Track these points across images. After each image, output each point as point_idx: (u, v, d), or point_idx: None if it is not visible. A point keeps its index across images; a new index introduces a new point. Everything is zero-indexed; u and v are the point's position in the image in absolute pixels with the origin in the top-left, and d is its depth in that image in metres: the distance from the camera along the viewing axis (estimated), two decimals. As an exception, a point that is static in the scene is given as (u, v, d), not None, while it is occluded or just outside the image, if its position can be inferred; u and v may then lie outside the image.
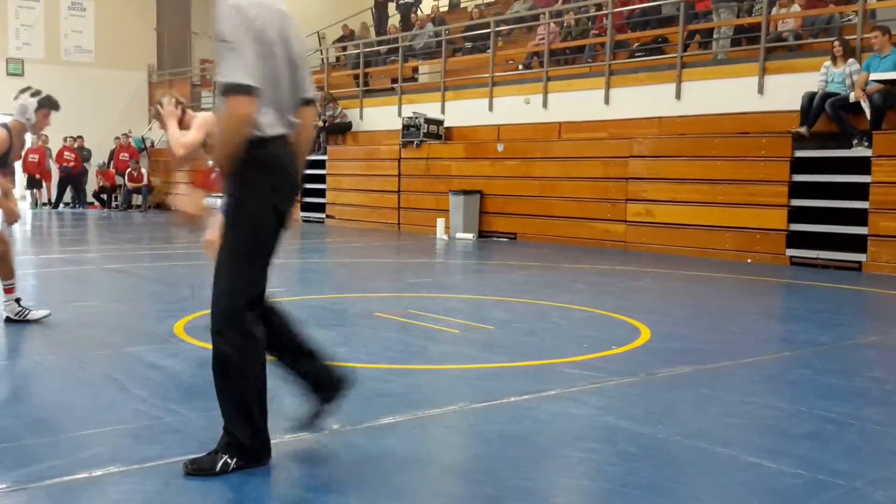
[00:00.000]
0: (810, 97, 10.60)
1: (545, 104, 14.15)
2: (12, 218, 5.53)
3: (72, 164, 21.15)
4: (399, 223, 15.82)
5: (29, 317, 5.67)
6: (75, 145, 21.58)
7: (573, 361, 4.84)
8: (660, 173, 11.97)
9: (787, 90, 11.11)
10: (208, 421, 3.55)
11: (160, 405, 3.82)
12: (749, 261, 10.85)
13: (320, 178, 17.78)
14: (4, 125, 5.52)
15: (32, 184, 21.27)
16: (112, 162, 22.16)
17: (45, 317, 5.72)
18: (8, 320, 5.68)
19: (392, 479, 2.96)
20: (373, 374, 4.45)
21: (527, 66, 15.16)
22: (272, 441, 3.09)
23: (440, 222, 14.26)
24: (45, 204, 21.58)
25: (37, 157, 20.75)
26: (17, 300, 5.70)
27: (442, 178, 14.89)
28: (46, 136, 21.44)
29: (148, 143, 23.40)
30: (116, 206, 21.70)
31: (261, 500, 2.74)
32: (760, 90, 11.47)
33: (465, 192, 14.08)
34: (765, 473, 3.09)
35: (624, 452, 3.29)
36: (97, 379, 4.36)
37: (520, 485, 2.90)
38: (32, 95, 5.52)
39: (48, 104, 5.54)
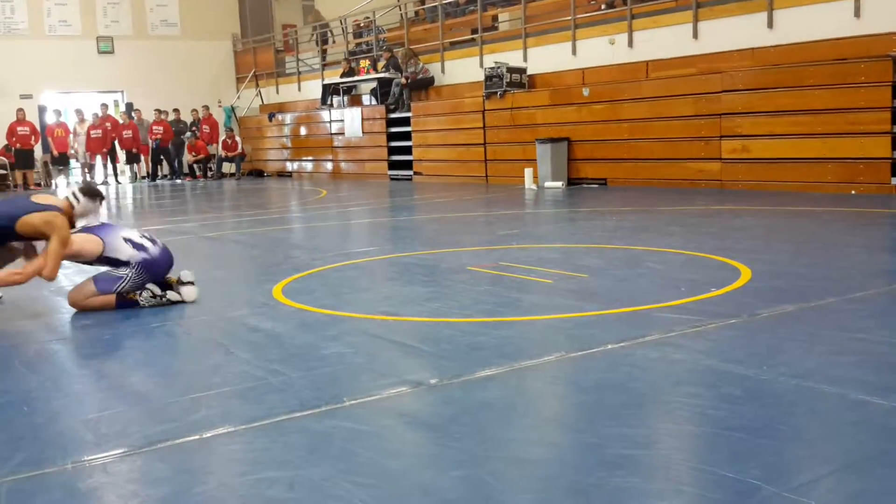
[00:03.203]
0: (911, 16, 10.04)
1: (630, 43, 13.79)
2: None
3: (160, 136, 21.72)
4: (487, 175, 15.77)
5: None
6: (170, 118, 22.13)
7: (671, 306, 4.76)
8: (755, 107, 11.56)
9: (884, 10, 10.54)
10: (310, 380, 3.63)
11: (264, 366, 3.92)
12: (853, 192, 10.43)
13: (406, 136, 17.83)
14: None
15: (131, 158, 21.97)
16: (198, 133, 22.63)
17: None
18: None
19: (491, 432, 2.98)
20: (467, 328, 4.47)
21: (610, 5, 14.76)
22: (371, 398, 3.13)
23: (528, 172, 14.14)
24: (143, 177, 22.29)
25: (130, 132, 21.40)
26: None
27: (527, 128, 14.74)
28: (139, 110, 22.09)
29: (238, 113, 23.84)
30: (211, 176, 22.24)
31: (366, 455, 2.79)
32: (856, 13, 10.90)
33: (552, 140, 13.91)
34: (876, 411, 2.98)
35: (727, 395, 3.22)
36: (203, 344, 4.51)
37: (621, 432, 2.88)
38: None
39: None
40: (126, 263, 5.32)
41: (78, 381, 4.00)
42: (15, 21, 22.12)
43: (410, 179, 17.60)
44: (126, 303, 5.36)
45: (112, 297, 5.33)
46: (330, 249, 7.95)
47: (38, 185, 20.66)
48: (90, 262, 5.41)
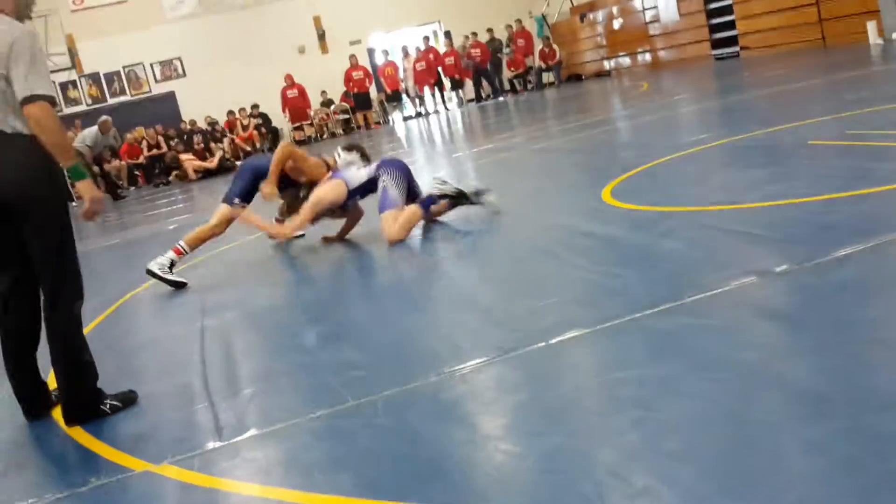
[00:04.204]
0: None
1: None
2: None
3: (478, 58, 22.26)
4: (823, 37, 14.32)
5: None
6: (486, 39, 22.62)
7: None
8: None
9: None
10: (648, 280, 3.59)
11: (600, 270, 3.94)
12: None
13: (727, 10, 16.70)
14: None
15: (455, 85, 22.86)
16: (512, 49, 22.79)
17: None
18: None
19: (849, 315, 2.75)
20: (814, 208, 4.14)
21: None
22: (713, 291, 3.02)
23: (871, 25, 12.61)
24: (470, 101, 23.13)
25: (452, 59, 22.18)
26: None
27: (866, -25, 13.09)
28: (450, 31, 22.75)
29: (549, 20, 23.77)
30: (531, 88, 22.52)
31: (714, 350, 2.72)
32: None
33: (898, -17, 12.25)
34: None
35: None
36: (539, 253, 4.63)
37: None
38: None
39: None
40: (372, 181, 5.78)
41: (428, 300, 4.29)
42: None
43: (737, 56, 16.50)
44: (430, 202, 5.77)
45: (414, 209, 5.65)
46: (657, 144, 7.73)
47: (378, 123, 22.28)
48: (348, 199, 5.83)
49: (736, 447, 2.12)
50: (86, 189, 3.34)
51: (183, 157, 18.23)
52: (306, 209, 5.78)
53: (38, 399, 3.52)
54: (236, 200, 5.99)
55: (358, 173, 5.88)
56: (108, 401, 3.39)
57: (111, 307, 5.57)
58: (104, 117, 15.61)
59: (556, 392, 2.72)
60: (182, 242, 5.88)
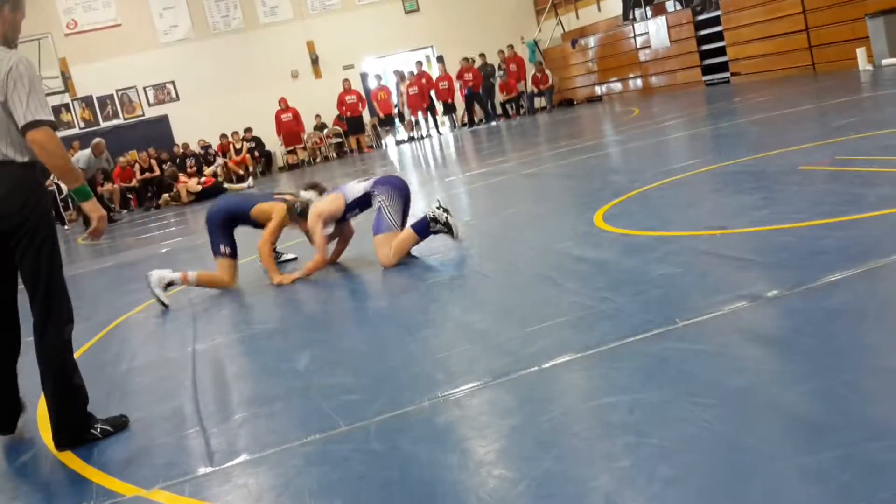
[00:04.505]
0: None
1: None
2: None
3: (471, 83, 22.38)
4: (813, 64, 14.44)
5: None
6: (477, 64, 22.75)
7: None
8: None
9: None
10: (640, 304, 3.60)
11: (592, 295, 3.95)
12: None
13: (717, 36, 16.85)
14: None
15: (448, 109, 22.98)
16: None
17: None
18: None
19: (841, 341, 2.77)
20: (804, 233, 4.16)
21: None
22: (705, 316, 3.03)
23: (860, 52, 12.74)
24: (464, 125, 23.23)
25: (446, 83, 22.30)
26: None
27: (856, 2, 13.23)
28: (443, 56, 22.89)
29: (541, 45, 23.94)
30: (524, 113, 22.63)
31: (706, 375, 2.73)
32: None
33: (887, 12, 12.38)
34: None
35: None
36: (532, 279, 4.64)
37: None
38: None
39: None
40: (367, 196, 5.77)
41: (421, 325, 4.29)
42: (330, -1, 23.82)
43: (727, 82, 16.63)
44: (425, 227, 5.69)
45: (409, 234, 5.65)
46: (648, 169, 7.77)
47: (371, 147, 22.33)
48: (346, 213, 5.85)
49: (729, 473, 2.12)
50: (91, 209, 3.36)
51: (182, 177, 18.21)
52: (313, 225, 5.77)
53: (13, 414, 3.54)
54: (223, 249, 6.01)
55: (356, 186, 5.90)
56: (99, 425, 3.37)
57: (103, 331, 5.55)
58: (97, 140, 15.61)
59: (549, 417, 2.72)
60: (192, 274, 5.95)
